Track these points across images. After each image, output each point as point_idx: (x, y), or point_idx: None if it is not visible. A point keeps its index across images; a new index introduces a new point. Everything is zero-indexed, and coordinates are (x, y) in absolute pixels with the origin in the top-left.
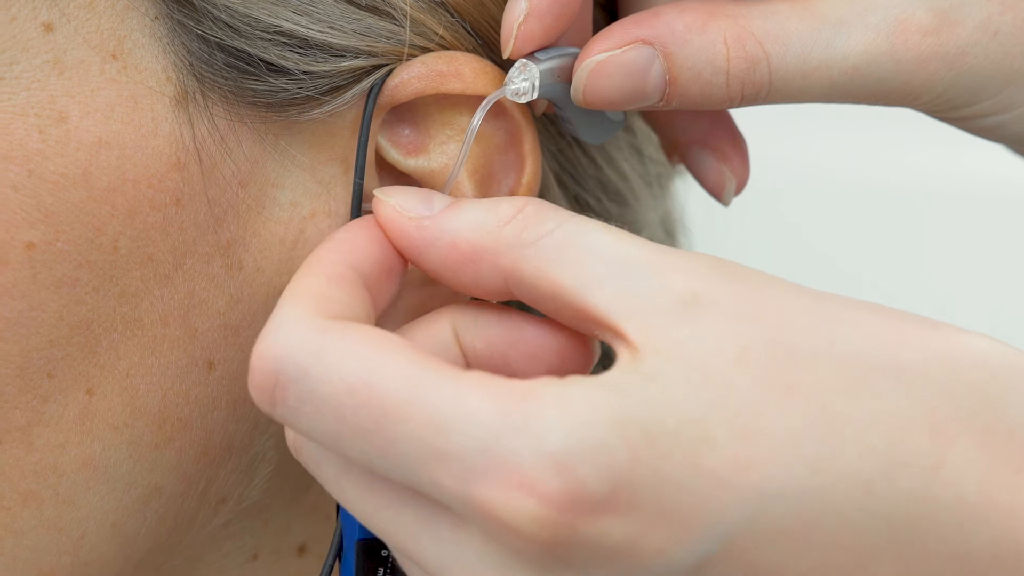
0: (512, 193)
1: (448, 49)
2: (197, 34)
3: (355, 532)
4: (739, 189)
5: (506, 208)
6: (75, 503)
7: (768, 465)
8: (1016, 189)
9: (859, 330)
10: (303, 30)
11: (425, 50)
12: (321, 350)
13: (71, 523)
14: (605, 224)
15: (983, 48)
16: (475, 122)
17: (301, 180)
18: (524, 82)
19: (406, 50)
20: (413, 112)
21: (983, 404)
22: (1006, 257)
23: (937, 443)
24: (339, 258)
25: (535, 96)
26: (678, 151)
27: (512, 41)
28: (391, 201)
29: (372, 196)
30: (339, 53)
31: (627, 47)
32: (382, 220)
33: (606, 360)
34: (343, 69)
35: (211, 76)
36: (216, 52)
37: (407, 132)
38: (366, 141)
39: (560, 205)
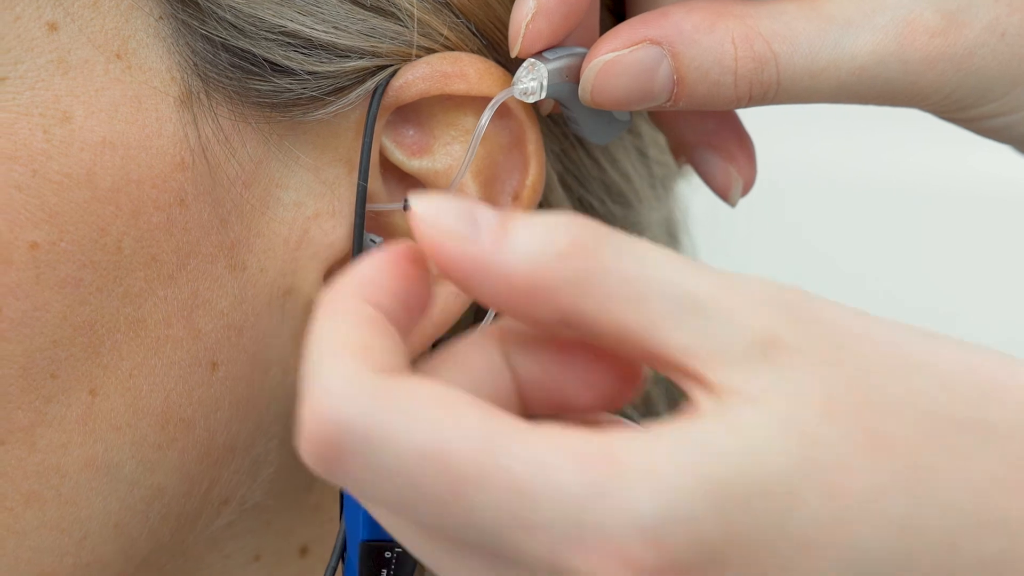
0: (516, 194)
1: (453, 50)
2: (201, 34)
3: (358, 533)
4: (746, 190)
5: (563, 238)
6: (77, 504)
7: (856, 524)
8: (1022, 190)
9: (938, 375)
10: (308, 30)
11: (430, 51)
12: (383, 415)
13: (73, 524)
14: (662, 249)
15: (991, 49)
16: (483, 122)
17: (305, 180)
18: (532, 81)
19: (411, 51)
20: (417, 113)
21: None
22: (1012, 259)
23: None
24: (366, 300)
25: (543, 96)
26: (685, 152)
27: (520, 40)
28: (430, 216)
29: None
30: (344, 54)
31: (635, 47)
32: (425, 244)
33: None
34: (347, 70)
35: (215, 76)
36: (220, 52)
37: (411, 133)
38: (370, 142)
39: (564, 207)
